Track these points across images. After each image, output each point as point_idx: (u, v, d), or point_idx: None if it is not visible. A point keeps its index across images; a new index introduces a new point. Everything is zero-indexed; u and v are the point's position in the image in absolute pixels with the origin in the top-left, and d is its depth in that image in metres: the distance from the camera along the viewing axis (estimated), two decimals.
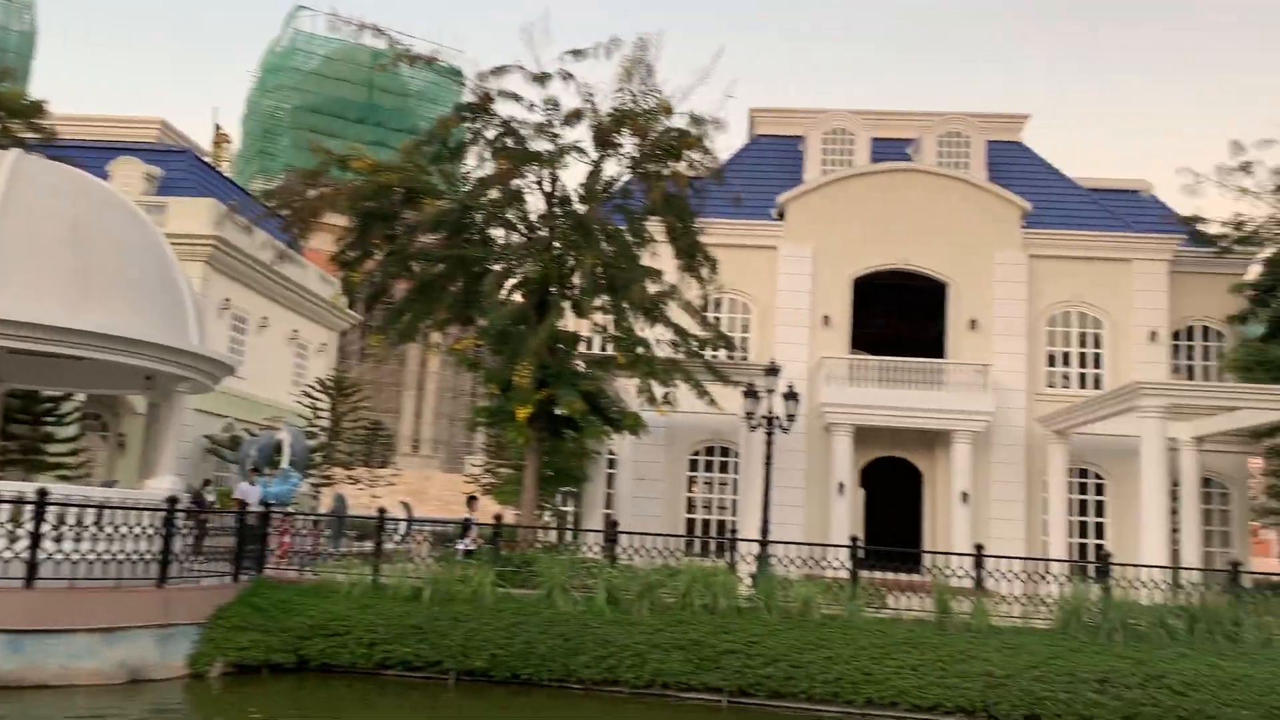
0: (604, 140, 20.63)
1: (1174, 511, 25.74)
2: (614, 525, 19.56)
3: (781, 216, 30.82)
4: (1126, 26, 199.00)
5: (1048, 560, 19.26)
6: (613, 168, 21.24)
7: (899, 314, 33.74)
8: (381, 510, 18.96)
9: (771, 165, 33.81)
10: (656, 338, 21.63)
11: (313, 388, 35.35)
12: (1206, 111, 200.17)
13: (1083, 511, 29.05)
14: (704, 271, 21.92)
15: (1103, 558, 18.04)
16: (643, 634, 15.07)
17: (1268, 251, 29.73)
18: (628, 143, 20.75)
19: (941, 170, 30.82)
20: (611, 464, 27.99)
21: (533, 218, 21.28)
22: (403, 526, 21.78)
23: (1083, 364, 29.98)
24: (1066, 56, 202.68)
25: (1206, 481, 28.86)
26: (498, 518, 19.18)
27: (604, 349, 24.76)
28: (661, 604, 16.03)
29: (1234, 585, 17.49)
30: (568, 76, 20.34)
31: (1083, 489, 29.21)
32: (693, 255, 21.73)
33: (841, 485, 27.44)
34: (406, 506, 28.03)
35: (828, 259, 30.11)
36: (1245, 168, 29.18)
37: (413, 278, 21.48)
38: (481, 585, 16.18)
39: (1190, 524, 27.01)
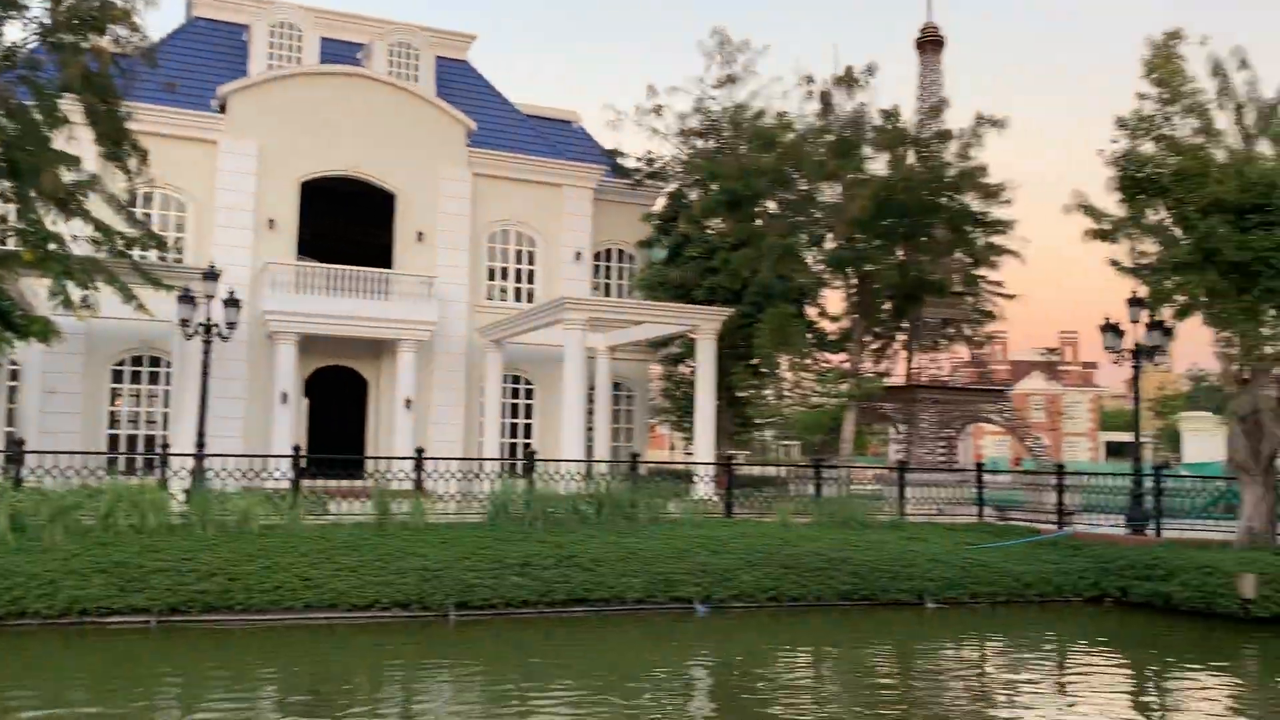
0: None
1: (590, 412, 29.06)
2: (19, 444, 17.31)
3: (223, 109, 28.81)
4: None
5: (482, 460, 20.84)
6: (16, 32, 18.28)
7: (351, 221, 33.51)
8: None
9: (212, 53, 31.33)
10: (73, 233, 19.25)
11: None
12: (637, 52, 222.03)
13: (514, 414, 31.63)
14: (131, 162, 19.83)
15: (529, 455, 19.90)
16: (56, 560, 13.70)
17: (672, 186, 34.24)
18: (35, 5, 17.95)
19: (392, 80, 30.89)
20: (15, 375, 24.56)
21: None
22: None
23: (518, 279, 32.33)
24: None
25: (617, 385, 32.94)
26: None
27: (4, 243, 21.50)
28: (80, 527, 14.69)
29: (633, 473, 20.38)
30: None
31: (515, 394, 31.76)
32: (118, 143, 19.51)
33: (285, 395, 26.90)
34: None
35: (274, 159, 28.86)
36: (657, 110, 33.15)
37: None
38: None
39: (603, 422, 30.73)
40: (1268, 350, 18.21)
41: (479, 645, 13.80)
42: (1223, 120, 18.63)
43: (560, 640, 14.24)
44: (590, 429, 29.04)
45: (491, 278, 31.97)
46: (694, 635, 14.92)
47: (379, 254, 31.56)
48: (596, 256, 34.24)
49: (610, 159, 34.51)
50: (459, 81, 34.27)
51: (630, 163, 34.51)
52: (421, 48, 32.48)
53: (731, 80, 32.54)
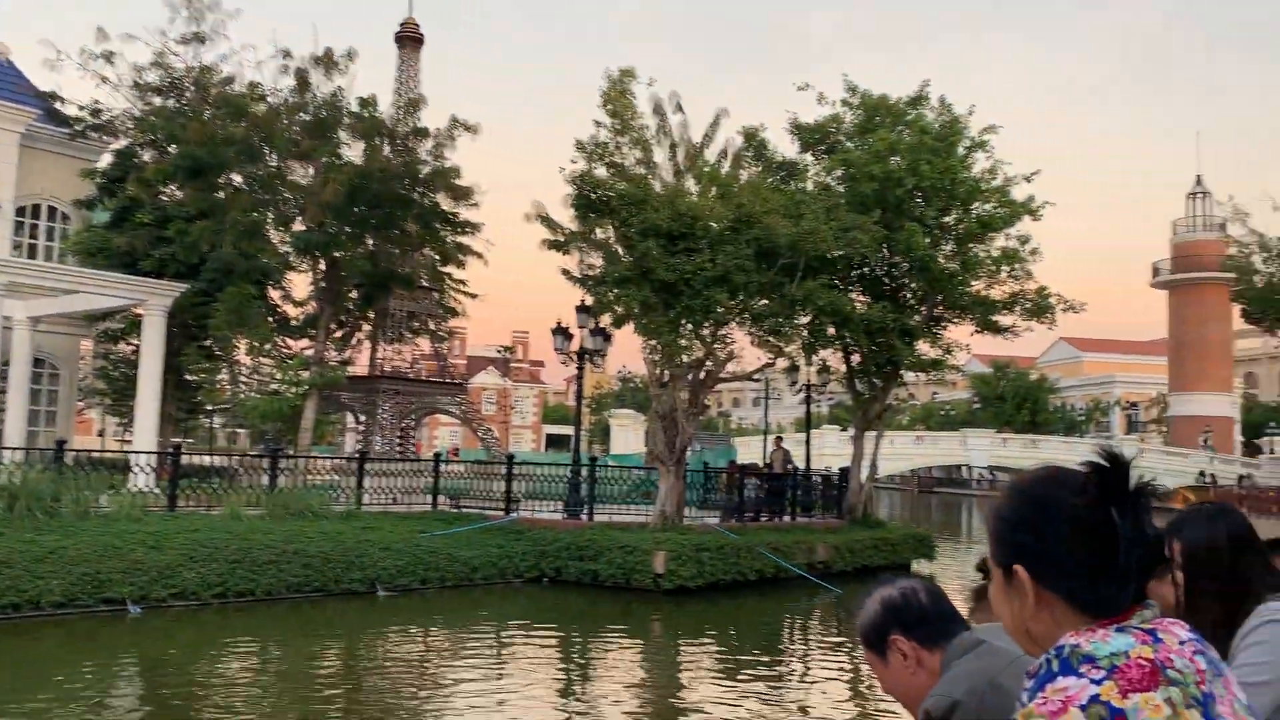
0: None
1: (3, 391, 25.19)
2: None
3: None
4: None
5: None
6: None
7: None
8: None
9: None
10: None
11: None
12: None
13: None
14: None
15: None
16: None
17: (122, 143, 30.83)
18: None
19: None
20: None
21: None
22: None
23: None
24: None
25: (39, 362, 28.82)
26: None
27: None
28: None
29: (58, 462, 18.07)
30: None
31: None
32: None
33: None
34: None
35: None
36: (108, 57, 29.63)
37: None
38: None
39: (18, 404, 26.69)
40: (684, 358, 21.16)
41: None
42: (660, 155, 21.28)
43: None
44: (1, 410, 25.12)
45: None
46: (124, 638, 13.68)
47: None
48: (21, 211, 29.64)
49: (46, 102, 30.08)
50: None
51: (71, 110, 30.40)
52: None
53: (199, 39, 30.13)
